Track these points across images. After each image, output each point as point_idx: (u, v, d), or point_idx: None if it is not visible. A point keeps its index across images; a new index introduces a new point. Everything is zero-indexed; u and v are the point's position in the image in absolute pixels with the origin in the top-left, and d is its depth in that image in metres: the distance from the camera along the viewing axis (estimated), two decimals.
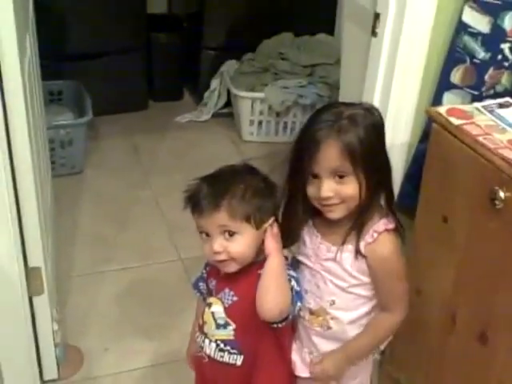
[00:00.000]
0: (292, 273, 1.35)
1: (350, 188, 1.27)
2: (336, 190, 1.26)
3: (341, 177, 1.26)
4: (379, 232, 1.31)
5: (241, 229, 1.29)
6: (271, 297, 1.28)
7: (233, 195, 1.28)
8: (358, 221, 1.31)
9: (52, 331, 1.75)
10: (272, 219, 1.33)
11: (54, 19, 3.04)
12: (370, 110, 1.31)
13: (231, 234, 1.29)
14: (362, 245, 1.31)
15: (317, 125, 1.27)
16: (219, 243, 1.29)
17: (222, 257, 1.30)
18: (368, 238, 1.30)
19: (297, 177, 1.31)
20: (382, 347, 1.53)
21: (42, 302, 1.69)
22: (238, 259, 1.31)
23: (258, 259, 1.34)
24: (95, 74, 3.27)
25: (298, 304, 1.33)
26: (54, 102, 3.08)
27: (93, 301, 2.25)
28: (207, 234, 1.31)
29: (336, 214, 1.30)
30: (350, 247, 1.32)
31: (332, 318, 1.38)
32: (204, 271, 1.46)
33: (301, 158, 1.28)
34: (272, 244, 1.30)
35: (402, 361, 1.81)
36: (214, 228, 1.29)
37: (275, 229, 1.32)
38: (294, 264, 1.42)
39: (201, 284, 1.48)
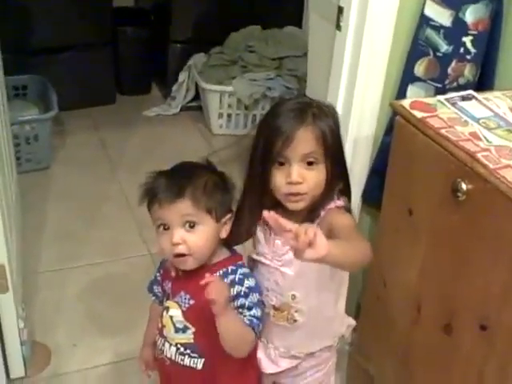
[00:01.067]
0: (254, 298, 1.32)
1: (318, 175, 1.28)
2: (305, 175, 1.26)
3: (310, 163, 1.27)
4: (327, 209, 1.32)
5: (203, 220, 1.28)
6: (235, 351, 1.32)
7: (195, 186, 1.28)
8: (312, 211, 1.32)
9: (18, 329, 1.74)
10: (230, 215, 1.33)
11: (18, 13, 3.00)
12: (330, 107, 1.35)
13: (192, 225, 1.28)
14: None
15: (288, 112, 1.28)
16: (179, 235, 1.28)
17: (181, 249, 1.28)
18: (317, 220, 1.31)
19: (260, 167, 1.30)
20: (347, 336, 1.54)
21: (7, 300, 1.67)
22: (195, 253, 1.29)
23: (211, 262, 1.34)
24: (61, 68, 3.24)
25: (260, 327, 1.33)
26: (18, 97, 3.03)
27: (61, 297, 2.23)
28: (165, 227, 1.29)
29: (300, 204, 1.30)
30: None
31: (296, 311, 1.39)
32: (158, 274, 1.45)
33: (269, 145, 1.27)
34: (219, 305, 1.23)
35: (370, 351, 1.83)
36: (176, 218, 1.27)
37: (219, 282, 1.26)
38: (250, 263, 1.42)
39: (155, 287, 1.47)
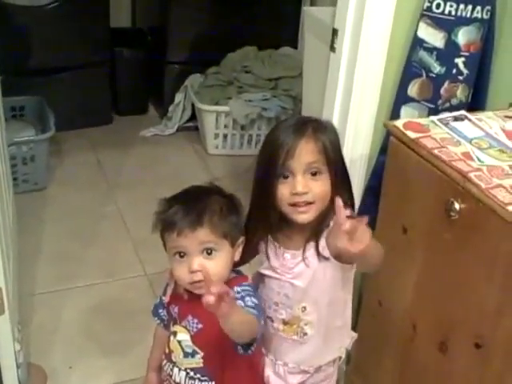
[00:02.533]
0: (250, 301, 1.30)
1: (323, 185, 1.29)
2: (309, 185, 1.28)
3: (314, 174, 1.28)
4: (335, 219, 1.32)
5: (221, 246, 1.29)
6: (239, 335, 1.28)
7: (212, 212, 1.28)
8: (319, 225, 1.33)
9: (14, 351, 1.72)
10: (242, 238, 1.34)
11: (15, 34, 3.02)
12: (329, 123, 1.38)
13: (210, 252, 1.28)
14: (321, 243, 1.32)
15: (289, 127, 1.31)
16: (198, 262, 1.28)
17: (200, 276, 1.28)
18: (325, 233, 1.32)
19: (265, 182, 1.32)
20: (349, 348, 1.54)
21: (3, 322, 1.65)
22: (213, 279, 1.28)
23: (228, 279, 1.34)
24: (58, 88, 3.25)
25: (262, 322, 1.32)
26: (15, 117, 3.05)
27: (57, 318, 2.23)
28: (182, 255, 1.29)
29: (307, 216, 1.30)
30: (312, 243, 1.34)
31: (306, 324, 1.39)
32: (164, 298, 1.44)
33: (273, 160, 1.29)
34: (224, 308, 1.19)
35: (366, 370, 1.83)
36: (195, 246, 1.27)
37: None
38: (258, 278, 1.43)
39: (161, 311, 1.46)
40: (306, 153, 1.28)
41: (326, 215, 1.32)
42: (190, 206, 1.29)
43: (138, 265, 2.51)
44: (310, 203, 1.29)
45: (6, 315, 1.65)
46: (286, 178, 1.29)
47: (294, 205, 1.29)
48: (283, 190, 1.29)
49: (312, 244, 1.34)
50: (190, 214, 1.27)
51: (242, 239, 1.34)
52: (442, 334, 1.47)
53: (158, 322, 1.48)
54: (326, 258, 1.33)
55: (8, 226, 1.98)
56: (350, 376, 1.92)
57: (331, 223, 1.30)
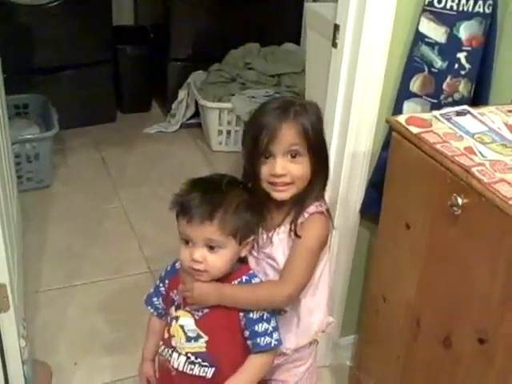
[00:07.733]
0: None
1: (302, 167, 1.34)
2: (288, 167, 1.33)
3: (293, 156, 1.34)
4: (310, 213, 1.37)
5: (226, 243, 1.30)
6: None
7: (227, 208, 1.29)
8: (296, 205, 1.37)
9: (19, 348, 1.73)
10: (253, 237, 1.35)
11: (18, 32, 3.03)
12: (313, 104, 1.40)
13: (213, 247, 1.30)
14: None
15: (272, 110, 1.35)
16: (200, 253, 1.30)
17: (200, 267, 1.30)
18: (301, 219, 1.37)
19: (249, 162, 1.37)
20: (329, 332, 1.55)
21: (8, 319, 1.66)
22: (212, 271, 1.32)
23: (232, 270, 1.36)
24: (62, 87, 3.27)
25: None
26: (19, 115, 3.06)
27: (62, 315, 2.24)
28: (188, 242, 1.31)
29: (285, 194, 1.36)
30: (282, 228, 1.39)
31: None
32: (161, 285, 1.45)
33: (255, 142, 1.33)
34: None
35: (370, 366, 1.83)
36: (200, 239, 1.29)
37: None
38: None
39: (155, 299, 1.47)
40: (287, 137, 1.32)
41: (302, 197, 1.37)
42: (208, 196, 1.30)
43: (143, 262, 2.52)
44: (289, 183, 1.35)
45: (10, 312, 1.65)
46: (267, 158, 1.34)
47: (272, 183, 1.35)
48: (264, 170, 1.35)
49: (285, 224, 1.38)
50: (203, 206, 1.28)
51: (251, 238, 1.36)
52: (446, 329, 1.46)
53: (152, 310, 1.49)
54: (298, 236, 1.36)
55: (12, 224, 1.99)
56: (354, 371, 1.93)
57: (306, 215, 1.36)
